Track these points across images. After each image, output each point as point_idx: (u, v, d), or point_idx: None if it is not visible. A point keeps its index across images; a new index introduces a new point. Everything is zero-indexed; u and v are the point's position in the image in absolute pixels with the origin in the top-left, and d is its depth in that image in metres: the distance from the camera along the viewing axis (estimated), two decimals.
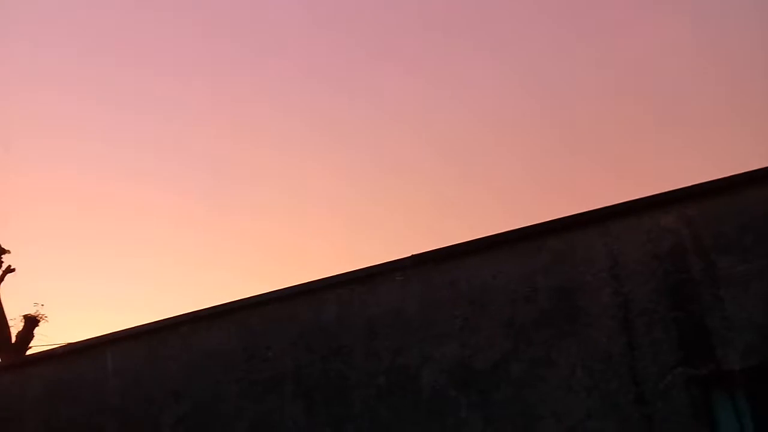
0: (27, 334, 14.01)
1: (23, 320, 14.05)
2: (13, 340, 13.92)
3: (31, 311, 14.23)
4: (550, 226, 4.36)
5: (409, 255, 4.80)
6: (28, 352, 13.77)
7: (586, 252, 4.23)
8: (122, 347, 5.65)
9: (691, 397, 3.79)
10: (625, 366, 3.97)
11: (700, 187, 4.04)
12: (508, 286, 4.39)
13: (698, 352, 3.84)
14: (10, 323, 13.98)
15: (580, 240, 4.26)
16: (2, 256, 14.52)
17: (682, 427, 3.78)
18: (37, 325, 14.16)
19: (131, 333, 5.61)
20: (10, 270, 14.47)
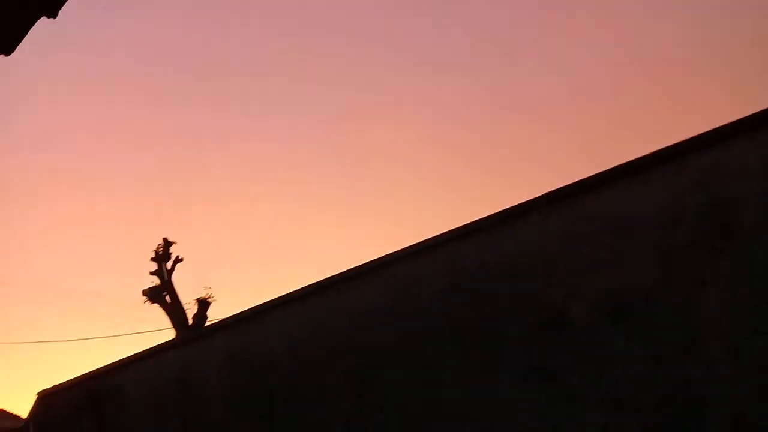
0: (201, 315, 15.25)
1: (196, 303, 15.30)
2: (190, 322, 15.23)
3: (202, 294, 15.47)
4: (694, 143, 4.16)
5: (543, 193, 4.77)
6: None
7: (736, 163, 4.01)
8: (285, 311, 6.06)
9: None
10: None
11: None
12: (652, 211, 4.26)
13: None
14: (186, 307, 15.29)
15: (729, 152, 4.04)
16: (170, 248, 15.84)
17: None
18: (209, 307, 15.38)
19: (291, 297, 6.00)
20: (179, 260, 15.77)
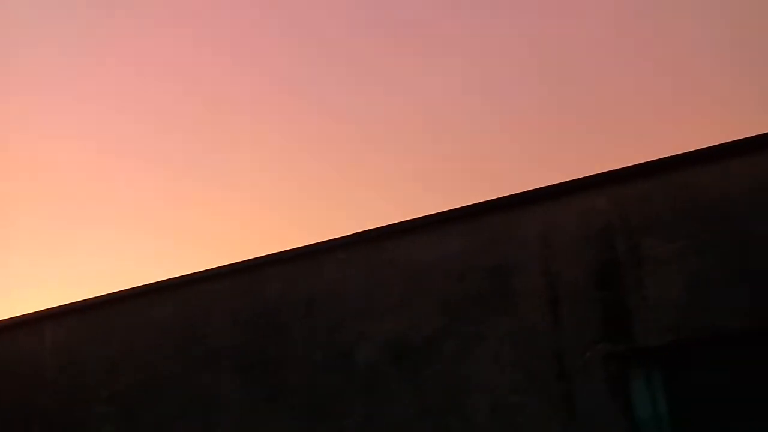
0: None
1: None
2: None
3: None
4: (487, 206, 4.47)
5: (353, 233, 4.88)
6: None
7: (521, 232, 4.34)
8: (60, 322, 5.62)
9: (608, 372, 3.91)
10: (550, 343, 4.09)
11: (628, 170, 4.17)
12: (444, 265, 4.49)
13: (618, 330, 3.97)
14: None
15: (515, 220, 4.37)
16: None
17: (600, 401, 3.90)
18: None
19: (70, 308, 5.60)
20: None
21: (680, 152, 4.02)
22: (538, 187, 4.31)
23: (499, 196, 4.42)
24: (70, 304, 5.61)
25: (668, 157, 4.05)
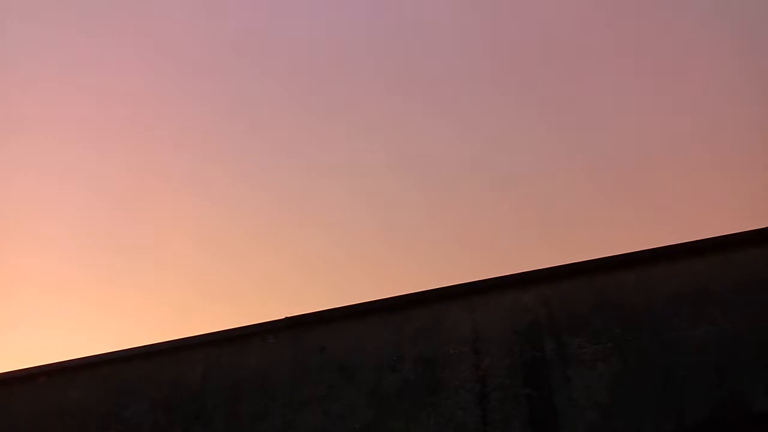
0: None
1: None
2: None
3: None
4: (419, 298, 4.47)
5: (282, 318, 4.79)
6: None
7: (451, 325, 4.35)
8: None
9: None
10: None
11: (558, 269, 4.27)
12: (375, 355, 4.44)
13: (545, 430, 3.98)
14: None
15: (445, 313, 4.38)
16: None
17: None
18: None
19: None
20: None
21: (605, 255, 4.14)
22: (470, 281, 4.35)
23: (431, 288, 4.44)
24: None
25: (594, 260, 4.16)
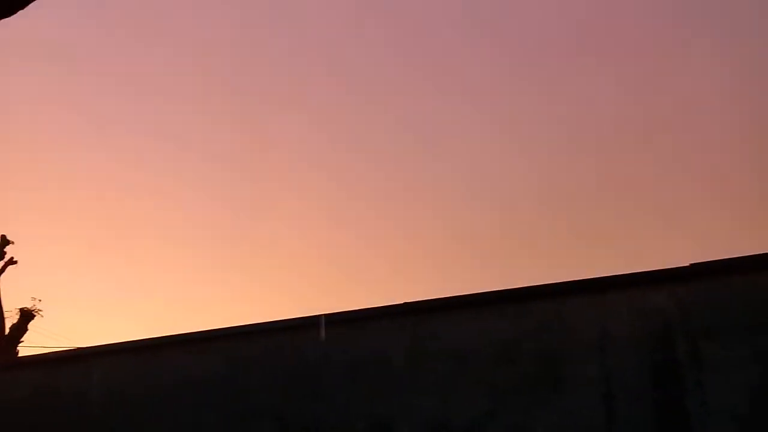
0: (21, 327, 14.06)
1: (18, 313, 14.11)
2: (7, 331, 13.98)
3: (28, 305, 14.30)
4: (541, 291, 4.37)
5: (401, 302, 4.82)
6: (20, 346, 13.81)
7: (575, 320, 4.23)
8: (108, 361, 5.67)
9: None
10: None
11: (693, 268, 4.05)
12: (493, 346, 4.40)
13: None
14: (6, 315, 14.06)
15: (570, 307, 4.27)
16: (6, 247, 14.63)
17: None
18: (32, 320, 14.22)
19: (118, 348, 5.64)
20: (12, 262, 14.58)
21: (742, 255, 3.88)
22: (596, 276, 4.20)
23: (553, 282, 4.32)
24: (120, 343, 5.67)
25: (731, 259, 3.90)
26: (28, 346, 14.23)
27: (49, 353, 6.17)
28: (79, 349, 5.86)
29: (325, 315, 5.00)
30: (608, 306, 4.16)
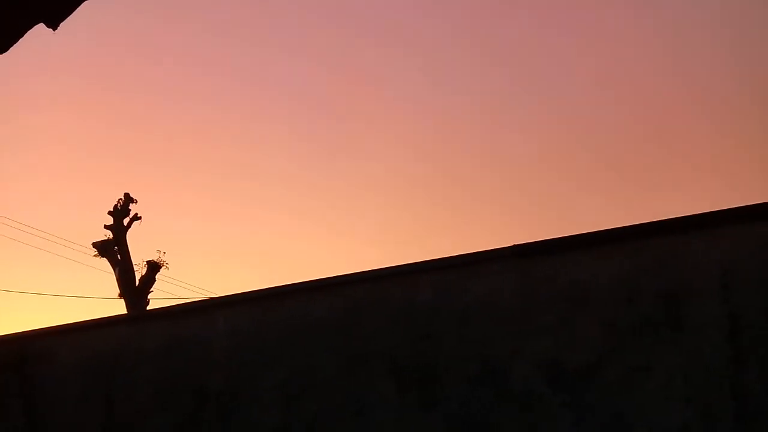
0: (149, 278, 15.03)
1: (146, 265, 15.06)
2: (137, 283, 15.00)
3: (154, 258, 15.22)
4: (658, 227, 4.18)
5: (509, 245, 4.75)
6: (150, 296, 14.79)
7: (696, 257, 4.03)
8: (232, 311, 5.97)
9: None
10: (727, 380, 3.80)
11: None
12: (609, 286, 4.28)
13: None
14: (135, 268, 15.05)
15: (689, 244, 4.07)
16: (130, 204, 15.55)
17: None
18: (159, 271, 15.16)
19: (240, 298, 5.92)
20: (137, 218, 15.50)
21: None
22: (715, 209, 3.97)
23: (671, 217, 4.12)
24: (243, 293, 5.95)
25: None
26: (156, 299, 15.24)
27: (175, 305, 6.57)
28: (203, 300, 6.19)
29: (433, 260, 5.01)
30: (730, 240, 3.94)
